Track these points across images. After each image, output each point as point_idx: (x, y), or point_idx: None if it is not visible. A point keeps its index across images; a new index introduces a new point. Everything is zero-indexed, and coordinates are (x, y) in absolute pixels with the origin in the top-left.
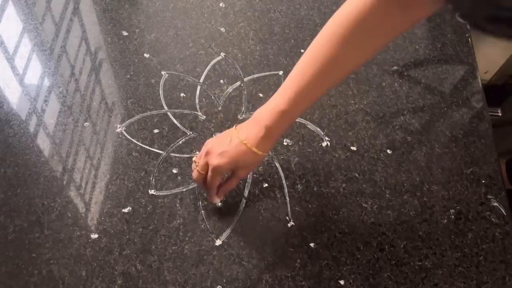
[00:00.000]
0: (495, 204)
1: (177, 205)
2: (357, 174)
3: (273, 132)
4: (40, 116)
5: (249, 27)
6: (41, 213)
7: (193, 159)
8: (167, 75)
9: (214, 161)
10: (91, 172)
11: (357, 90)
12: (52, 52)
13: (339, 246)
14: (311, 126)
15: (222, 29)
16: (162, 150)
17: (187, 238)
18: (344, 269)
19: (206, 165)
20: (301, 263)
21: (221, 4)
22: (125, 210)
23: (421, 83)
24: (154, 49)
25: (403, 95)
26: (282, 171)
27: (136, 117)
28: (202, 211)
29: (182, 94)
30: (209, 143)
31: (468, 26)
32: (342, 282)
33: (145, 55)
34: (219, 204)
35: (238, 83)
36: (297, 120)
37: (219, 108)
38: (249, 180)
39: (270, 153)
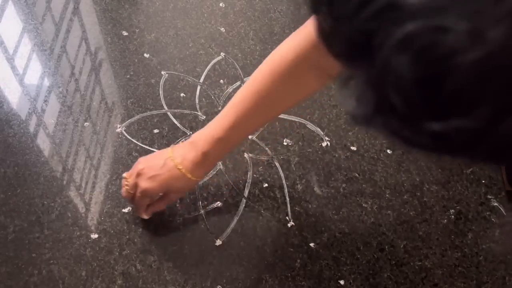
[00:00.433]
0: (495, 204)
1: (177, 205)
2: (357, 174)
3: (210, 158)
4: (40, 116)
5: (249, 27)
6: (41, 213)
7: (123, 175)
8: (167, 75)
9: (144, 184)
10: (91, 172)
11: None
12: (52, 52)
13: (339, 246)
14: (311, 126)
15: (222, 29)
16: None
17: (187, 238)
18: (344, 269)
19: (136, 185)
20: (301, 263)
21: (221, 4)
22: (125, 210)
23: None
24: (154, 49)
25: None
26: (282, 171)
27: (136, 117)
28: (202, 211)
29: (182, 94)
30: (141, 163)
31: None
32: (342, 282)
33: (145, 55)
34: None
35: (238, 83)
36: (297, 120)
37: (219, 108)
38: (249, 180)
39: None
